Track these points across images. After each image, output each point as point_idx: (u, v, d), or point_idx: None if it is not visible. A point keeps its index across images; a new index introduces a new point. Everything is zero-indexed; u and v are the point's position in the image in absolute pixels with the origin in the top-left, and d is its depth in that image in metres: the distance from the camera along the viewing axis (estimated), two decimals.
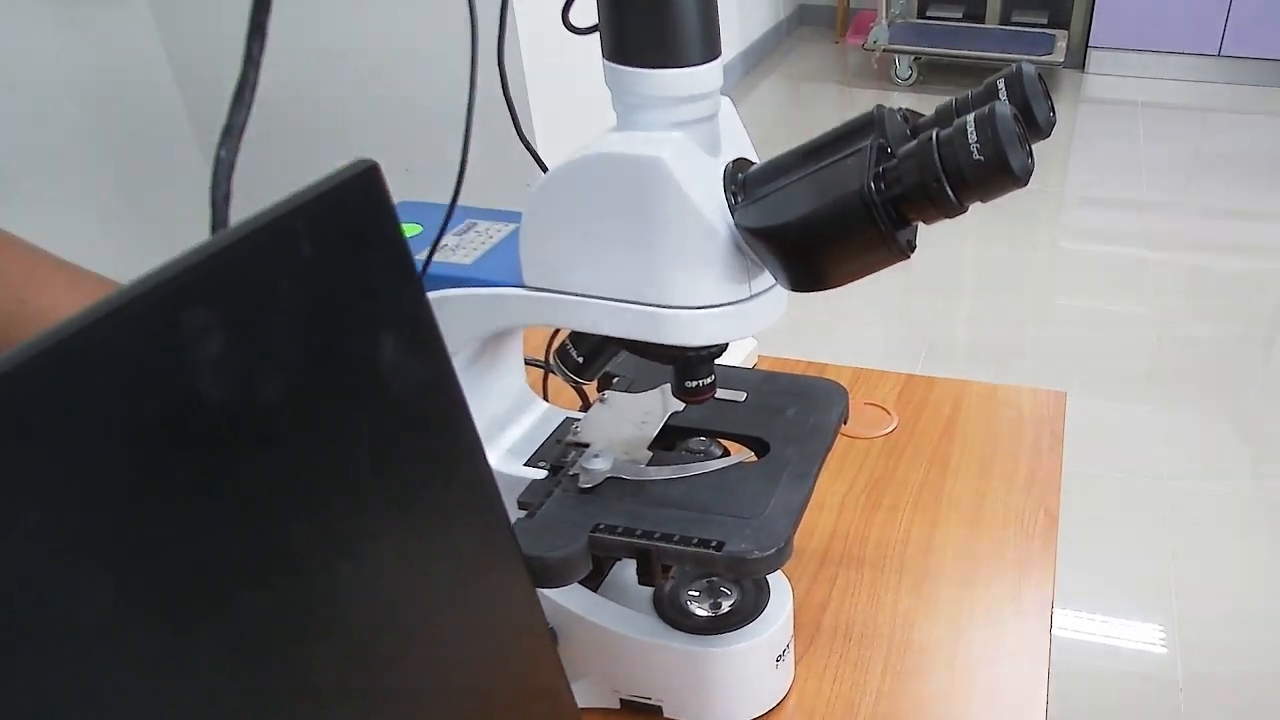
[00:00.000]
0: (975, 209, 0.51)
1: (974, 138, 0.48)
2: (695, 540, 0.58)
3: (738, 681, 0.69)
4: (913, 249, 0.51)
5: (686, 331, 0.56)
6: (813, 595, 0.81)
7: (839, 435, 0.69)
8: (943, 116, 0.54)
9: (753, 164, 0.57)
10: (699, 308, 0.55)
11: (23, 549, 0.26)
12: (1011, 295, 2.97)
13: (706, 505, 0.61)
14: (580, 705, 0.65)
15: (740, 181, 0.55)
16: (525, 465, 0.69)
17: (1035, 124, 0.53)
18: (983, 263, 3.15)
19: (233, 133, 0.41)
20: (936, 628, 0.78)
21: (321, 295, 0.35)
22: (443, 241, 0.65)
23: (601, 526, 0.60)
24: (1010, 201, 0.52)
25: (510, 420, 0.74)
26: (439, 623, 0.43)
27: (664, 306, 0.55)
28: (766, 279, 0.57)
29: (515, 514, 0.64)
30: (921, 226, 0.52)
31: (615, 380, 0.76)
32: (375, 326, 0.37)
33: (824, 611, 0.80)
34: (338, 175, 0.36)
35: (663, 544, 0.58)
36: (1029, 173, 0.49)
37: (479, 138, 0.57)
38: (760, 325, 0.57)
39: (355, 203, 0.36)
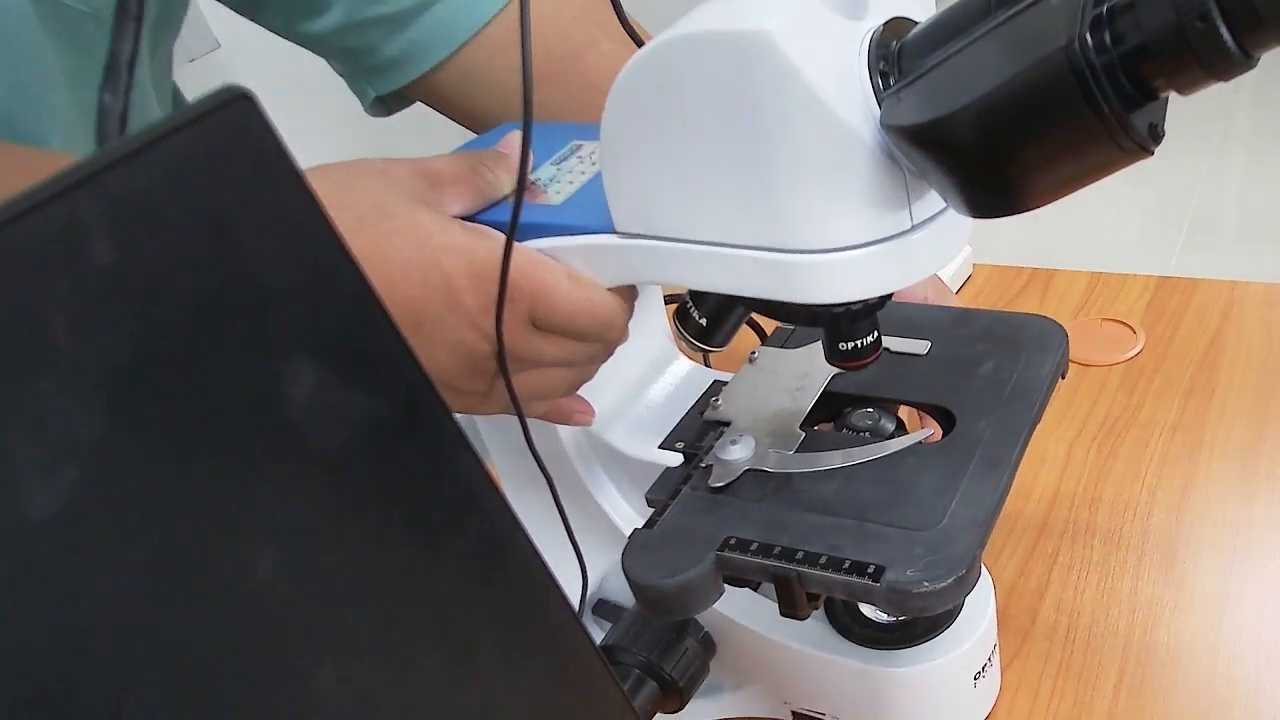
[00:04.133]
0: None
1: None
2: (847, 563, 0.43)
3: (927, 706, 0.55)
4: (1158, 139, 0.33)
5: (823, 285, 0.40)
6: (1027, 578, 0.65)
7: (1052, 398, 0.51)
8: None
9: (915, 25, 0.39)
10: (839, 249, 0.39)
11: None
12: None
13: (866, 510, 0.46)
14: (747, 714, 0.60)
15: (895, 53, 0.38)
16: (660, 447, 0.56)
17: None
18: (1260, 106, 2.68)
19: (118, 71, 0.29)
20: (1191, 626, 0.60)
21: (148, 326, 0.22)
22: (535, 175, 0.51)
23: (733, 541, 0.46)
24: None
25: (648, 382, 0.61)
26: None
27: (790, 251, 0.40)
28: (934, 201, 0.40)
29: (645, 513, 0.52)
30: (1174, 97, 0.34)
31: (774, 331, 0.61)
32: (275, 357, 0.24)
33: (1041, 600, 0.63)
34: (173, 121, 0.22)
35: (804, 568, 0.44)
36: None
37: None
38: (929, 268, 0.41)
39: (213, 161, 0.23)
